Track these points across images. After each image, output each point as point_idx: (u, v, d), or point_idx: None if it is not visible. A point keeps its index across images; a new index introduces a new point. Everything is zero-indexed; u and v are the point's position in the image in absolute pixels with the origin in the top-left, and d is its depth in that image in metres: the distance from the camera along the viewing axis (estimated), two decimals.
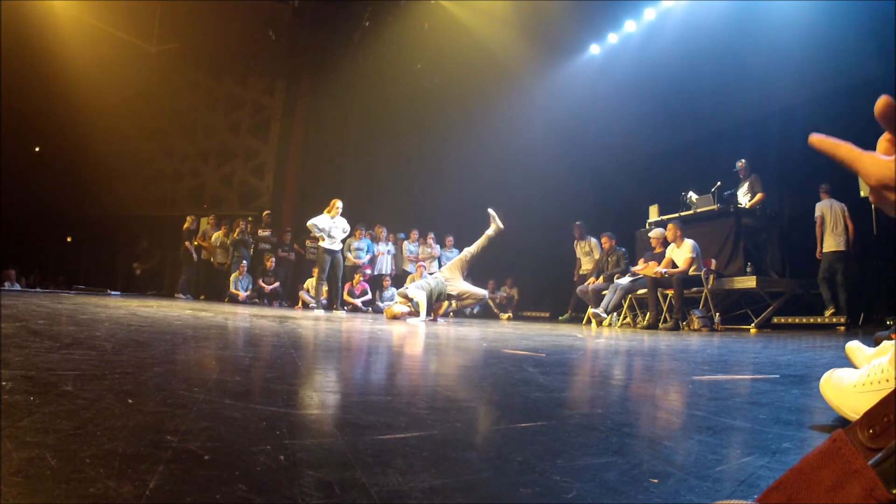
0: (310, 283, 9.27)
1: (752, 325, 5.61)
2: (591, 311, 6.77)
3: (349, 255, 8.68)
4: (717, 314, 5.61)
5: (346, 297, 8.53)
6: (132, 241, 11.93)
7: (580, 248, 8.36)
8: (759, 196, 6.42)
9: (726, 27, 7.27)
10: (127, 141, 12.71)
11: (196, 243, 10.07)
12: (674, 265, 5.97)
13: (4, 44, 9.71)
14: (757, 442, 0.85)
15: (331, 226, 6.95)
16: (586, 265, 8.21)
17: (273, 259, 9.57)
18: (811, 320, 5.58)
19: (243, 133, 12.69)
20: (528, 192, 10.43)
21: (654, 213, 7.32)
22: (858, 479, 0.34)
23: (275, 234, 10.14)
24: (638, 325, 6.27)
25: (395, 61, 10.86)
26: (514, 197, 10.54)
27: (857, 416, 1.01)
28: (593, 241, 8.13)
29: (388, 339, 2.78)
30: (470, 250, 5.72)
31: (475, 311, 8.81)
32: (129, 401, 0.83)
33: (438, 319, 5.74)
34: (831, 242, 5.65)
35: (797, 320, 5.65)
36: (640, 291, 6.35)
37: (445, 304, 5.91)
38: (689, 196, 6.74)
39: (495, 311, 9.45)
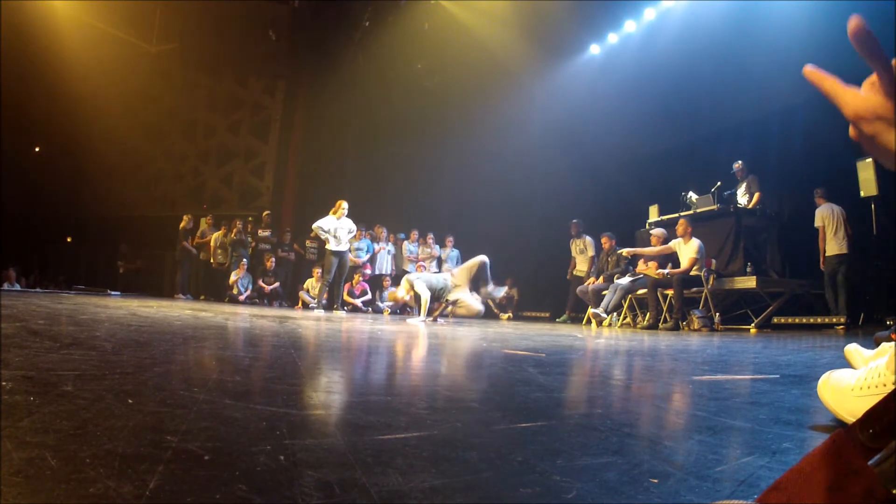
0: (310, 283, 9.28)
1: (752, 325, 5.61)
2: (591, 311, 6.77)
3: (350, 256, 8.69)
4: (717, 314, 5.61)
5: (346, 297, 8.53)
6: (120, 242, 11.91)
7: (575, 247, 8.37)
8: (756, 196, 6.42)
9: (726, 27, 7.27)
10: (127, 141, 12.71)
11: (195, 243, 10.08)
12: (675, 259, 5.98)
13: (4, 44, 9.72)
14: (757, 442, 0.85)
15: (336, 227, 6.94)
16: (580, 264, 8.22)
17: (273, 259, 9.57)
18: (811, 320, 5.57)
19: (243, 133, 12.69)
20: (528, 192, 10.43)
21: (654, 213, 7.32)
22: (858, 479, 0.34)
23: (275, 234, 10.14)
24: (638, 326, 6.27)
25: (395, 61, 10.86)
26: (514, 197, 10.55)
27: (854, 419, 1.00)
28: (588, 239, 8.15)
29: (388, 340, 2.78)
30: (482, 266, 5.62)
31: None
32: (129, 401, 0.83)
33: (439, 319, 5.72)
34: (833, 246, 5.64)
35: (797, 320, 5.65)
36: (640, 292, 6.35)
37: (443, 304, 5.88)
38: (689, 196, 6.74)
39: (495, 311, 9.45)
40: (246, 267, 9.34)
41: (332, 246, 6.96)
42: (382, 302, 9.15)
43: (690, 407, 1.20)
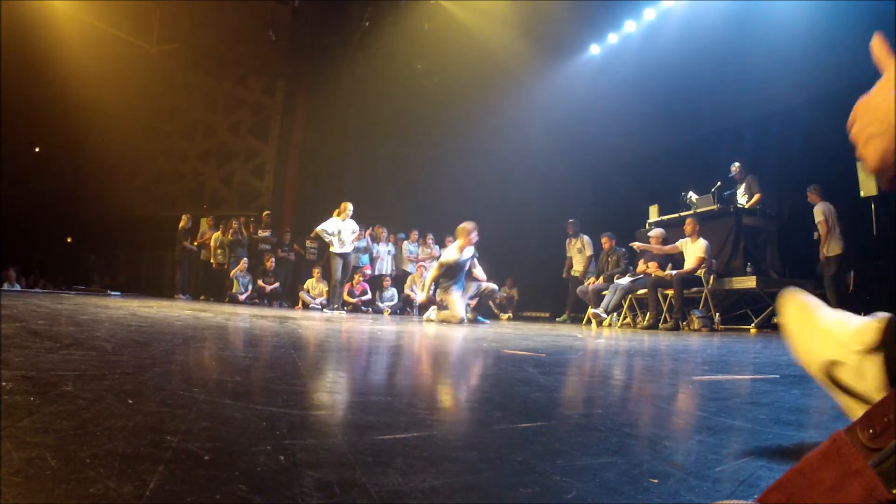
0: (310, 283, 9.27)
1: (752, 325, 5.61)
2: (591, 311, 6.77)
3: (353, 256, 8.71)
4: (717, 314, 5.61)
5: (346, 297, 8.53)
6: (129, 242, 11.92)
7: (572, 246, 8.37)
8: (756, 196, 6.42)
9: (726, 27, 7.27)
10: (127, 141, 12.71)
11: (195, 243, 10.08)
12: (677, 259, 5.98)
13: (4, 44, 9.72)
14: (757, 442, 0.85)
15: (340, 228, 6.94)
16: (577, 264, 8.22)
17: (273, 259, 9.57)
18: None
19: (243, 133, 12.69)
20: (528, 192, 10.44)
21: (654, 213, 7.32)
22: (858, 479, 0.34)
23: (275, 234, 10.14)
24: (638, 326, 6.27)
25: (394, 61, 10.86)
26: (513, 197, 10.56)
27: (804, 357, 0.94)
28: (585, 238, 8.15)
29: (388, 340, 2.78)
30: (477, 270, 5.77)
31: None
32: (129, 401, 0.83)
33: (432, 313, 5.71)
34: (835, 245, 5.63)
35: None
36: (640, 292, 6.35)
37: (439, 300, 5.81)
38: (689, 196, 6.74)
39: (495, 311, 9.46)
40: (246, 265, 9.34)
41: (336, 248, 6.94)
42: (382, 302, 9.15)
43: (690, 407, 1.20)
